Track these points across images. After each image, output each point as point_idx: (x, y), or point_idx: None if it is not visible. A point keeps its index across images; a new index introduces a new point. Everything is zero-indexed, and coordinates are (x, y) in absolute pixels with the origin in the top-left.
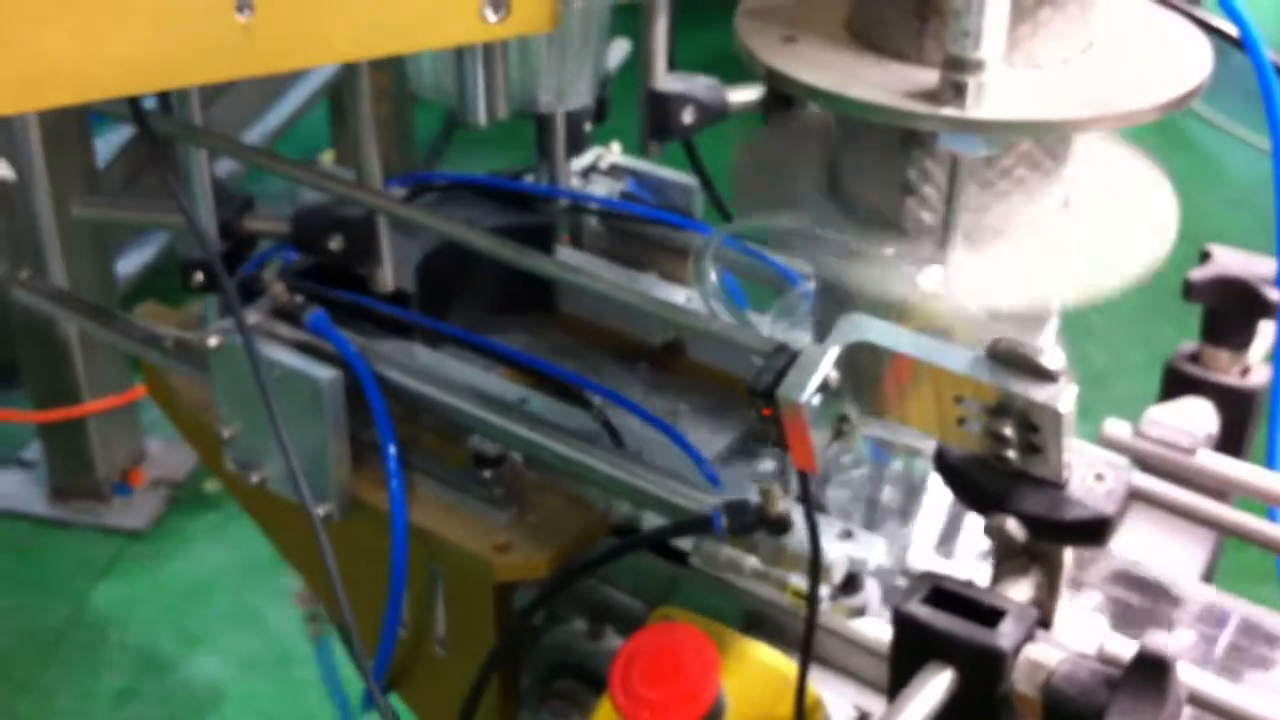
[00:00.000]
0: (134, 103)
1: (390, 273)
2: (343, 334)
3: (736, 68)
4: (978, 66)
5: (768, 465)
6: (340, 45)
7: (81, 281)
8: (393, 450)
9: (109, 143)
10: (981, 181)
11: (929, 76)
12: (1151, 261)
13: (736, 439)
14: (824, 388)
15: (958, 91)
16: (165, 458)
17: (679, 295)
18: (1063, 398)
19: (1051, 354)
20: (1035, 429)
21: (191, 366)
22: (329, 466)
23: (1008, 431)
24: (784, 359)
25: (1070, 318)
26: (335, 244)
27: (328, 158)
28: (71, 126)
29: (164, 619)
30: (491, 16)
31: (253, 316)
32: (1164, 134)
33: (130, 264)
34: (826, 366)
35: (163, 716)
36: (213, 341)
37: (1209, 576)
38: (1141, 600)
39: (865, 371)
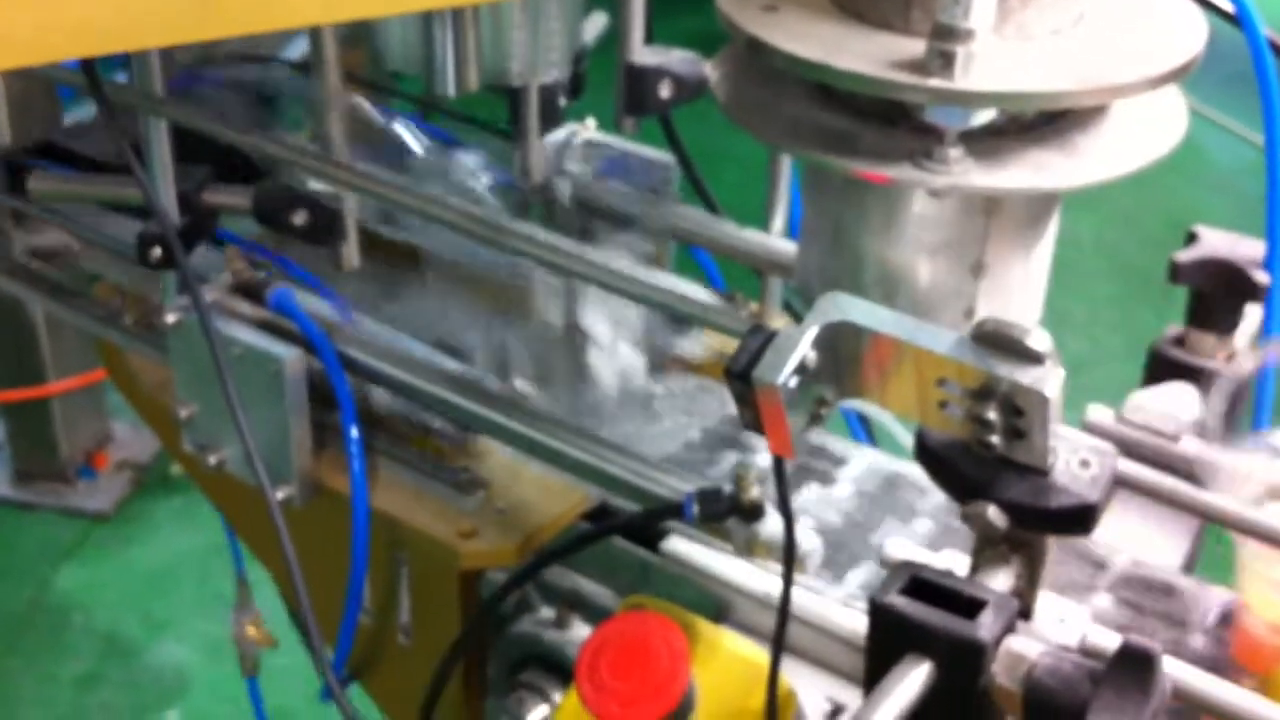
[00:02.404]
0: (89, 68)
1: (355, 250)
2: (306, 312)
3: (717, 49)
4: (967, 36)
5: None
6: (304, 8)
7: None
8: (355, 433)
9: (78, 118)
10: None
11: (916, 46)
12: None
13: (713, 424)
14: (801, 369)
15: (946, 61)
16: (131, 440)
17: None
18: (1049, 381)
19: (1038, 335)
20: (1020, 413)
21: (150, 345)
22: (290, 449)
23: (991, 416)
24: (760, 339)
25: (1048, 306)
26: (299, 219)
27: (303, 135)
28: (39, 100)
29: (129, 603)
30: None
31: (212, 293)
32: None
33: None
34: (804, 347)
35: (127, 702)
36: (170, 319)
37: (1190, 566)
38: (1154, 603)
39: (845, 352)
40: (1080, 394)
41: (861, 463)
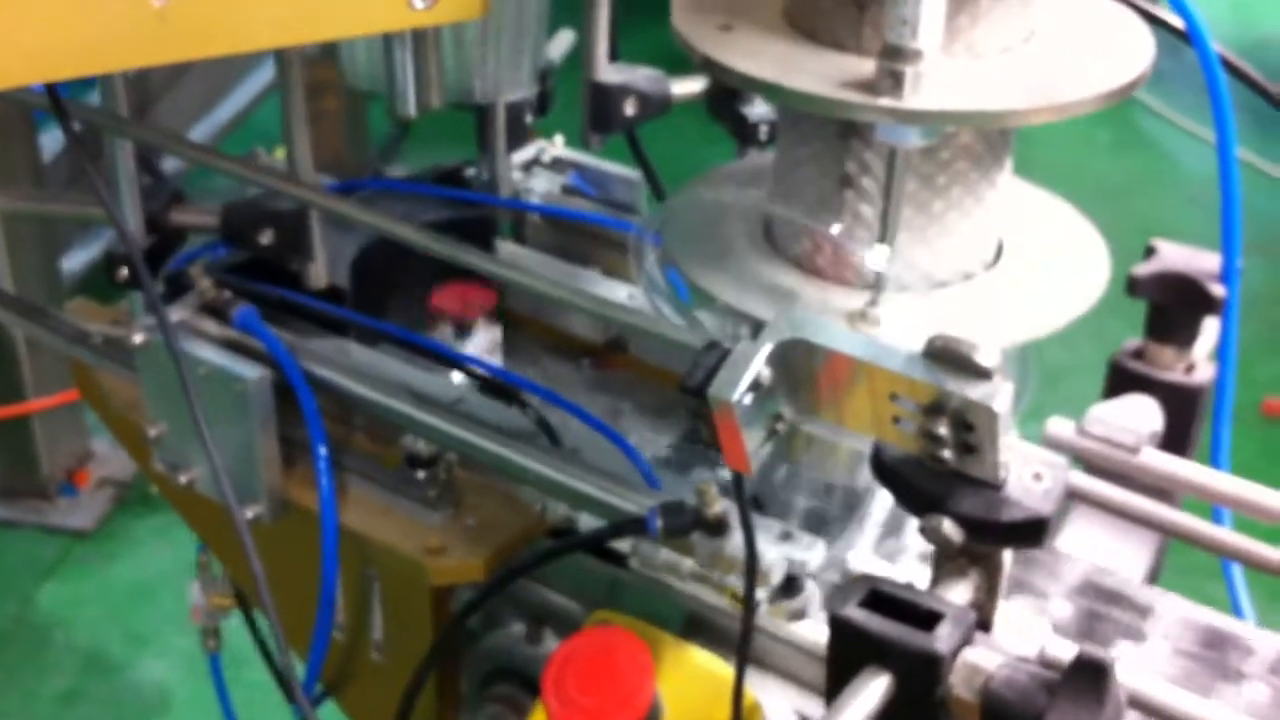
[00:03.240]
0: (52, 91)
1: (323, 268)
2: (272, 331)
3: (683, 62)
4: (915, 56)
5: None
6: (261, 32)
7: (26, 278)
8: (323, 451)
9: (55, 138)
10: (921, 175)
11: (867, 66)
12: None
13: (679, 438)
14: (756, 386)
15: (895, 81)
16: (112, 457)
17: (621, 292)
18: (998, 396)
19: (986, 351)
20: (971, 428)
21: (120, 365)
22: (257, 467)
23: (943, 431)
24: (716, 356)
25: None
26: (266, 238)
27: (279, 154)
28: (15, 122)
29: (110, 620)
30: (419, 3)
31: (179, 313)
32: (1118, 129)
33: (76, 261)
34: (758, 364)
35: (109, 718)
36: (138, 338)
37: (1154, 577)
38: (1110, 611)
39: (799, 369)
40: (1058, 404)
41: None
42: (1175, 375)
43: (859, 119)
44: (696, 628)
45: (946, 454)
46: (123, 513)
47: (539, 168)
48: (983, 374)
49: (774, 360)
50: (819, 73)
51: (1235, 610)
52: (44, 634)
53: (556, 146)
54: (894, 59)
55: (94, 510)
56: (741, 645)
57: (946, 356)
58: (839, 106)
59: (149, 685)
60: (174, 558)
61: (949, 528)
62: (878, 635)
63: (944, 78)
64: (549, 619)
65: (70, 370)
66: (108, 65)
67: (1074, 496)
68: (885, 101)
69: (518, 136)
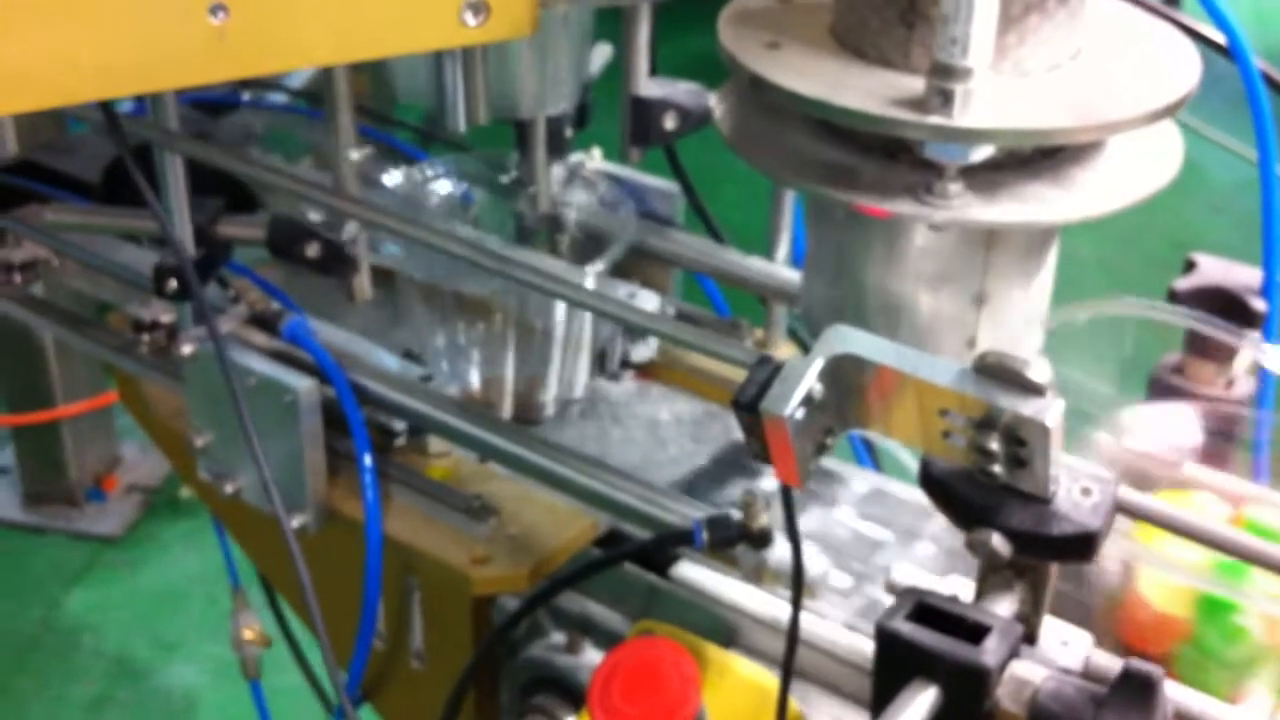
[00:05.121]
0: (106, 107)
1: (367, 283)
2: (320, 343)
3: (720, 71)
4: (965, 74)
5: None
6: (317, 49)
7: (61, 287)
8: (368, 461)
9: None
10: None
11: (915, 84)
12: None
13: (720, 450)
14: (808, 400)
15: (945, 99)
16: (140, 463)
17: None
18: (1050, 412)
19: (1038, 367)
20: (1022, 443)
21: (165, 375)
22: (304, 477)
23: (993, 445)
24: (767, 370)
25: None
26: (312, 251)
27: (306, 162)
28: (50, 133)
29: (138, 626)
30: (471, 20)
31: (227, 324)
32: None
33: None
34: (811, 379)
35: None
36: (186, 349)
37: None
38: None
39: (850, 384)
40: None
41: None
42: (1215, 390)
43: (909, 136)
44: (737, 638)
45: (996, 468)
46: (151, 518)
47: (578, 180)
48: (1034, 389)
49: (825, 375)
50: (868, 90)
51: None
52: (72, 640)
53: (595, 159)
54: (944, 77)
55: (122, 516)
56: (787, 656)
57: (998, 372)
58: (890, 124)
59: (177, 691)
60: (202, 563)
61: (998, 541)
62: (925, 648)
63: (993, 95)
64: (589, 629)
65: (100, 376)
66: (166, 82)
67: (1121, 510)
68: (935, 119)
69: (558, 149)
